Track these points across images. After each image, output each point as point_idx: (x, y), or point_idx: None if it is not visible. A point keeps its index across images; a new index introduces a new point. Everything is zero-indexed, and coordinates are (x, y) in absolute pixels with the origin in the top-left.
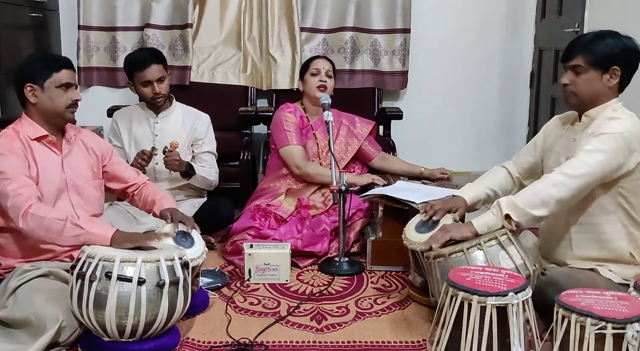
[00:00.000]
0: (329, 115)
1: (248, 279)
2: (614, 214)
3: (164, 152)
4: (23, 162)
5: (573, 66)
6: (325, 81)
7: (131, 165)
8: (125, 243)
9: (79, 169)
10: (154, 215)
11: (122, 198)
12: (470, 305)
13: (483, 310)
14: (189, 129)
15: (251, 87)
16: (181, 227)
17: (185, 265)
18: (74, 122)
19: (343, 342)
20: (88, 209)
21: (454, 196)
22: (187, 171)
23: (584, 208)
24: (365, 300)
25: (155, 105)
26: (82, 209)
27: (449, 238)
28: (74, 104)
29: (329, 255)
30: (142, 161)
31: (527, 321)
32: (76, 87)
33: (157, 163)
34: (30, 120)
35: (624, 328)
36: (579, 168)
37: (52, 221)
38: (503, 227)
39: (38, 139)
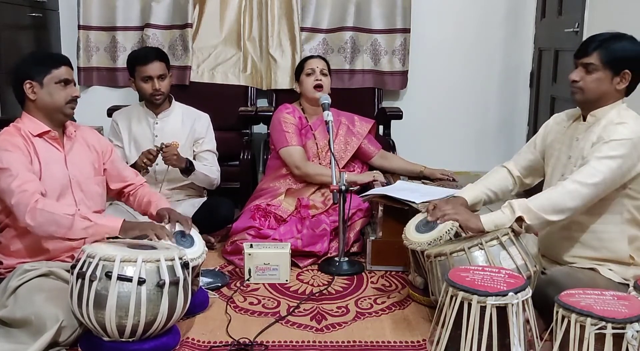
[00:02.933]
0: (329, 114)
1: (248, 279)
2: (618, 216)
3: (161, 148)
4: (26, 158)
5: (586, 64)
6: (320, 80)
7: (134, 165)
8: (133, 231)
9: (82, 165)
10: (150, 216)
11: (117, 199)
12: (470, 305)
13: (483, 309)
14: (188, 130)
15: (251, 87)
16: (179, 227)
17: (185, 265)
18: (72, 119)
19: (343, 342)
20: (90, 206)
21: (454, 196)
22: (187, 168)
23: (588, 208)
24: (365, 299)
25: (153, 103)
26: (84, 206)
27: (453, 218)
28: (74, 101)
29: (328, 255)
30: (148, 160)
31: (527, 321)
32: (75, 85)
33: (157, 163)
34: (31, 117)
35: (623, 328)
36: (592, 176)
37: (61, 217)
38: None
39: (40, 136)
